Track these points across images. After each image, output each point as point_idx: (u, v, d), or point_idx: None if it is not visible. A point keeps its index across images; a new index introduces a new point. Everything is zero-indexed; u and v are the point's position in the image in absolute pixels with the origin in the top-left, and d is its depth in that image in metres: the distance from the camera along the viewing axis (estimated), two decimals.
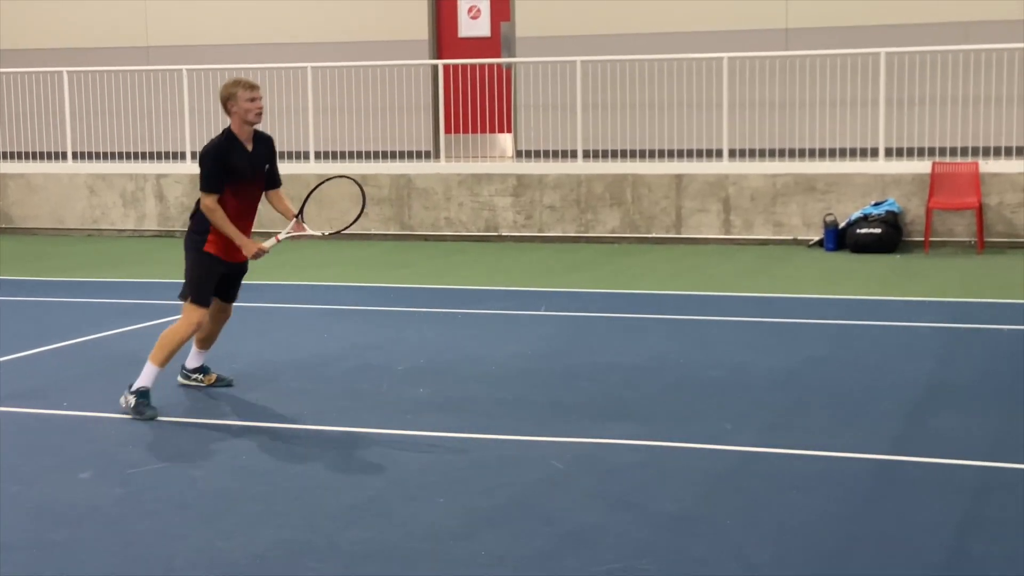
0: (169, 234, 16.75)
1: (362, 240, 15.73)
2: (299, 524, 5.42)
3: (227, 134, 7.41)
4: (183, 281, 7.46)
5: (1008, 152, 14.40)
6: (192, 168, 16.65)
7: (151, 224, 16.90)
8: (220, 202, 7.30)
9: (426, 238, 15.77)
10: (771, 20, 15.79)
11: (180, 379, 7.97)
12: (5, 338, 9.54)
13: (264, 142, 7.56)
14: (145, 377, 7.30)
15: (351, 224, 8.05)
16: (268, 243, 7.48)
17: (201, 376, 7.95)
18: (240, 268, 7.67)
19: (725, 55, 15.11)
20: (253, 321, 10.28)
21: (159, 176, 16.84)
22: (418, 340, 9.39)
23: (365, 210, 8.19)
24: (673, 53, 15.62)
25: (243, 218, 7.46)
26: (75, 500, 5.82)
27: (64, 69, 17.37)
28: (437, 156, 16.51)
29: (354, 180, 8.33)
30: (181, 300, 7.44)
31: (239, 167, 7.34)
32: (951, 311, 10.42)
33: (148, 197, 16.88)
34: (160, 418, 7.24)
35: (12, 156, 17.90)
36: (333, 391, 7.85)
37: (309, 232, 7.66)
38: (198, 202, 7.41)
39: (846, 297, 11.18)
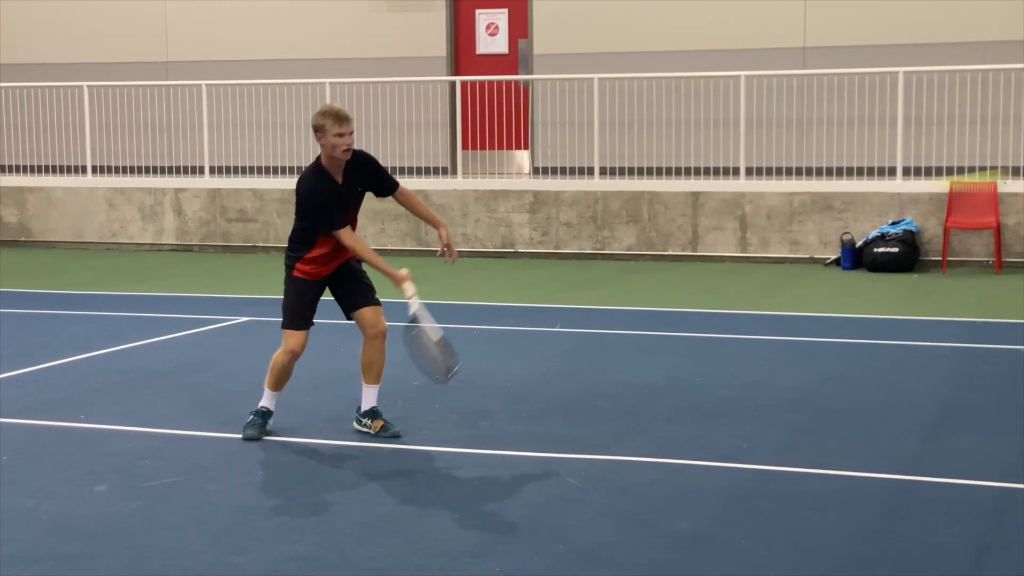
0: (187, 248, 16.81)
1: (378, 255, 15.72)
2: (313, 540, 5.43)
3: (317, 167, 6.94)
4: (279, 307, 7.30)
5: None
6: (210, 182, 16.73)
7: (169, 238, 16.96)
8: (312, 234, 6.94)
9: (442, 254, 15.76)
10: (789, 39, 15.79)
11: (356, 426, 7.27)
12: (23, 351, 9.58)
13: (356, 164, 7.00)
14: (264, 399, 7.24)
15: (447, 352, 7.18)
16: (410, 294, 7.06)
17: (368, 422, 7.19)
18: (342, 272, 7.15)
19: (743, 73, 15.12)
20: (269, 336, 10.28)
21: (177, 190, 16.91)
22: None
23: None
24: (690, 71, 15.63)
25: (338, 252, 7.06)
26: (91, 513, 5.84)
27: (84, 83, 17.47)
28: (454, 172, 16.54)
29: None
30: (282, 328, 7.20)
31: (337, 200, 6.91)
32: (968, 331, 10.38)
33: (166, 211, 16.94)
34: (175, 431, 7.26)
35: (32, 169, 18.00)
36: (348, 407, 7.85)
37: (429, 322, 7.23)
38: (292, 233, 7.09)
39: (863, 316, 11.15)
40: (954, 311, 11.32)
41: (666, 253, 15.10)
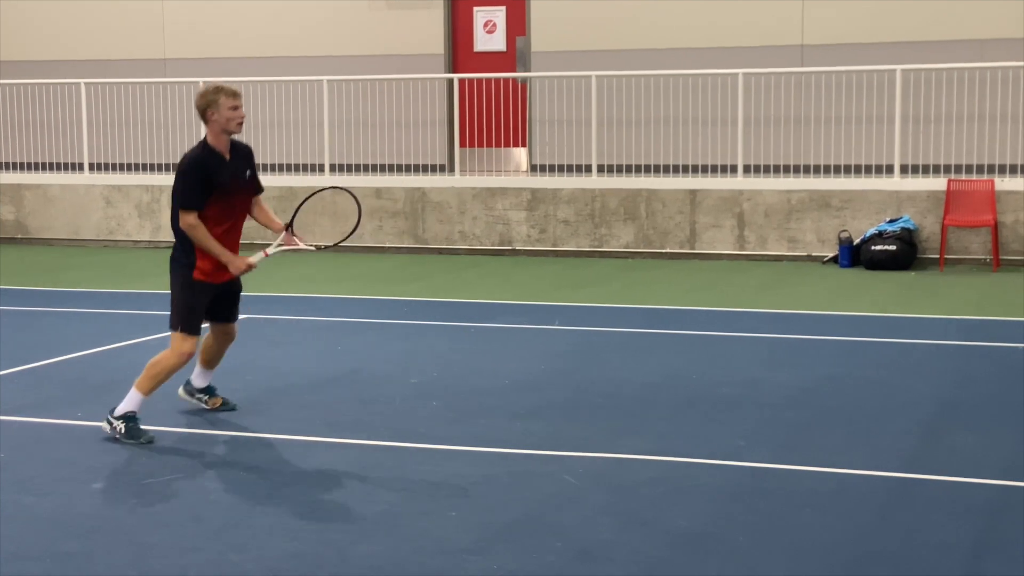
0: None
1: (376, 253, 15.76)
2: (311, 537, 5.43)
3: (204, 146, 7.01)
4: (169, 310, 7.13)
5: None
6: None
7: (166, 235, 16.94)
8: (202, 218, 6.92)
9: (440, 251, 15.79)
10: (786, 37, 15.79)
11: (182, 393, 7.64)
12: (20, 348, 9.57)
13: (242, 151, 7.17)
14: (129, 403, 6.96)
15: (346, 237, 7.60)
16: (255, 257, 7.06)
17: (206, 397, 7.63)
18: (233, 286, 7.26)
19: (740, 71, 15.12)
20: (266, 333, 10.30)
21: None
22: (431, 354, 9.40)
23: (360, 222, 7.61)
24: (688, 69, 15.63)
25: (230, 234, 7.09)
26: (89, 511, 5.84)
27: (82, 81, 17.46)
28: (452, 170, 16.54)
29: (347, 191, 7.77)
30: (171, 329, 7.06)
31: (220, 180, 6.96)
32: (966, 329, 10.39)
33: (163, 208, 16.92)
34: (174, 430, 7.26)
35: (29, 166, 17.98)
36: (346, 404, 7.86)
37: (302, 245, 7.26)
38: (175, 230, 7.03)
39: (860, 314, 11.16)
40: (952, 309, 11.33)
41: (664, 251, 15.10)
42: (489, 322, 10.89)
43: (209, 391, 7.68)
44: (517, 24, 17.08)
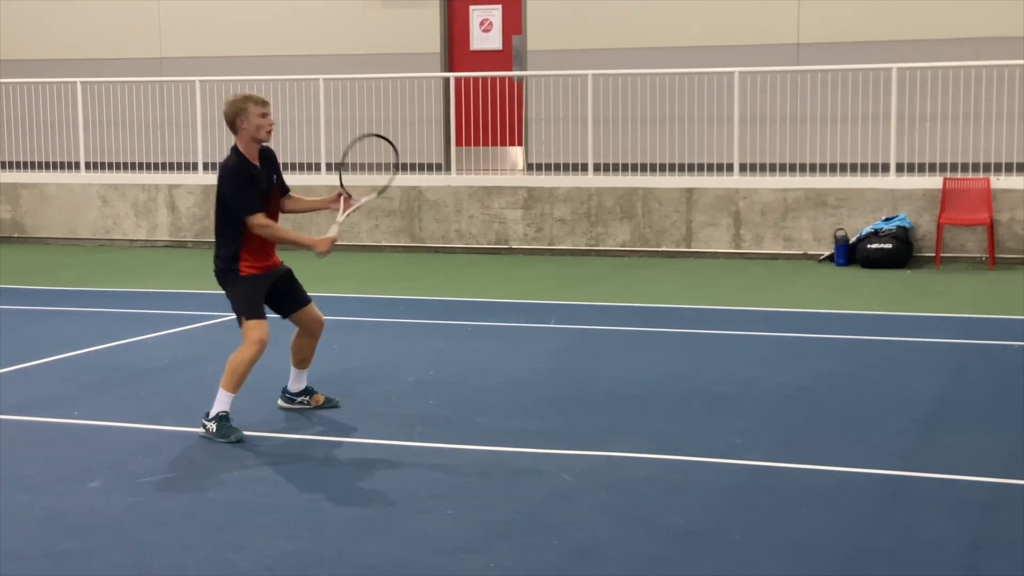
0: (181, 244, 16.79)
1: (372, 252, 15.75)
2: (308, 536, 5.43)
3: (238, 154, 7.05)
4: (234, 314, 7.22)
5: (1020, 168, 14.38)
6: (204, 179, 16.70)
7: (163, 235, 16.95)
8: (242, 223, 6.98)
9: (436, 250, 15.79)
10: (782, 35, 15.80)
11: (282, 403, 7.64)
12: (16, 347, 9.57)
13: (267, 156, 7.22)
14: (220, 403, 7.01)
15: (395, 175, 7.74)
16: (333, 231, 7.16)
17: (307, 398, 7.59)
18: (279, 270, 7.30)
19: (736, 70, 15.13)
20: None
21: (171, 187, 16.89)
22: (428, 352, 9.40)
23: (399, 159, 7.94)
24: (684, 67, 15.64)
25: (268, 242, 7.17)
26: (85, 509, 5.84)
27: (78, 80, 17.44)
28: (448, 168, 16.54)
29: (378, 135, 7.99)
30: (240, 324, 7.13)
31: (259, 186, 7.07)
32: (962, 327, 10.40)
33: (160, 207, 16.93)
34: (169, 428, 7.26)
35: (25, 166, 17.97)
36: (343, 402, 7.85)
37: (364, 200, 7.33)
38: (216, 247, 7.13)
39: (856, 312, 11.17)
40: (947, 307, 11.34)
41: (660, 249, 15.11)
42: (486, 321, 10.89)
43: (308, 392, 7.63)
44: (513, 23, 17.08)
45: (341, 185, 7.30)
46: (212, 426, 7.01)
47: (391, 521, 5.62)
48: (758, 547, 5.26)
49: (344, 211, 7.29)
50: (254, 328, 7.07)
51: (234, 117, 7.01)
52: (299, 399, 7.62)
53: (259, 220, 7.01)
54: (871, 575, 4.99)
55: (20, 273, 14.31)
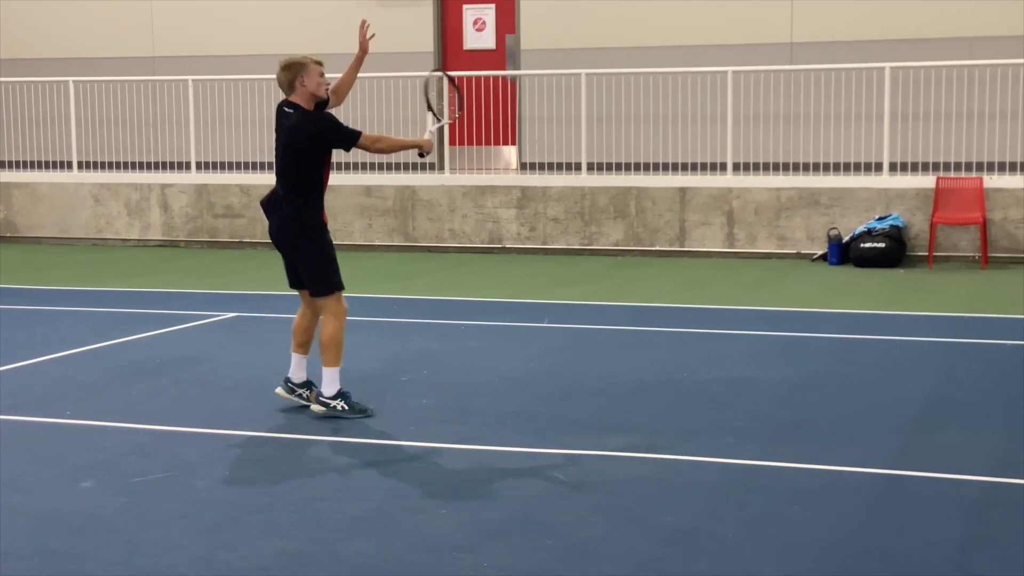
0: (174, 244, 16.78)
1: (366, 251, 15.75)
2: (301, 535, 5.42)
3: (305, 107, 7.32)
4: (316, 280, 7.35)
5: (1013, 167, 14.41)
6: (197, 178, 16.69)
7: (155, 234, 16.93)
8: (318, 169, 7.29)
9: (430, 249, 15.79)
10: (776, 34, 15.81)
11: (281, 392, 7.65)
12: (9, 347, 9.55)
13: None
14: (332, 382, 7.29)
15: (457, 111, 8.40)
16: (427, 135, 7.76)
17: (307, 393, 7.59)
18: None
19: (730, 69, 15.13)
20: (256, 332, 10.29)
21: (164, 186, 16.87)
22: (421, 351, 9.40)
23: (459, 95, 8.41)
24: (678, 67, 15.64)
25: (325, 185, 7.45)
26: (78, 509, 5.83)
27: (70, 79, 17.41)
28: (441, 168, 16.53)
29: (444, 74, 8.78)
30: (323, 295, 7.29)
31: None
32: (955, 326, 10.41)
33: (153, 207, 16.90)
34: (162, 427, 7.25)
35: (17, 165, 17.93)
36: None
37: (445, 118, 8.00)
38: (288, 205, 7.29)
39: (849, 311, 11.18)
40: (940, 306, 11.36)
41: (653, 248, 15.11)
42: (479, 320, 10.89)
43: (309, 386, 7.63)
44: (507, 22, 17.08)
45: (430, 108, 7.98)
46: (340, 404, 7.28)
47: (385, 520, 5.61)
48: (751, 546, 5.26)
49: (436, 122, 7.92)
50: (339, 301, 7.33)
51: (294, 77, 7.32)
52: (299, 391, 7.62)
53: (370, 135, 7.40)
54: (864, 574, 4.99)
55: (12, 272, 14.29)
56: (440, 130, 8.37)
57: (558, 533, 5.42)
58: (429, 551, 5.22)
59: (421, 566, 5.07)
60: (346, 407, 7.32)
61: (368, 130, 16.19)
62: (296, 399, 7.63)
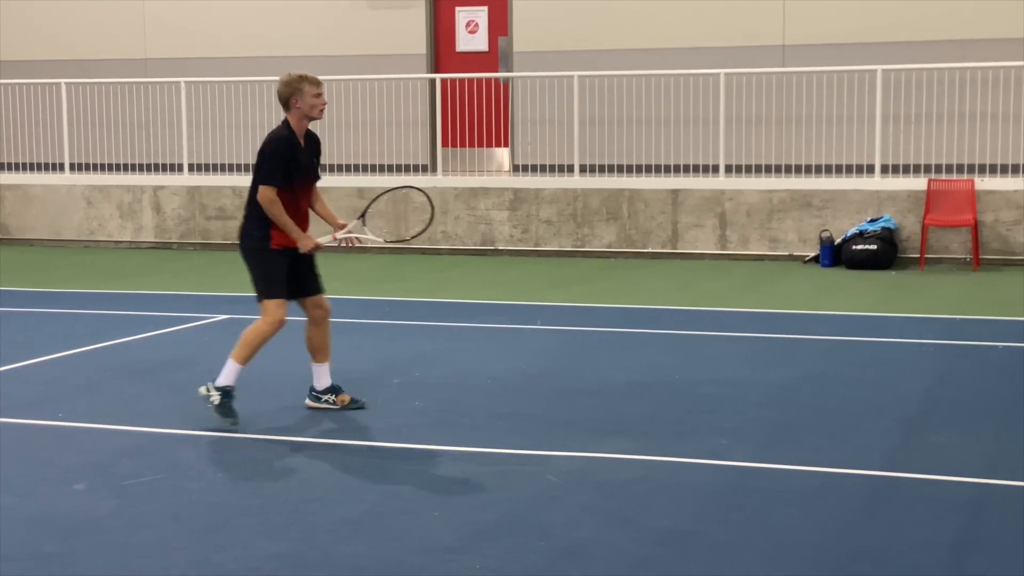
0: (166, 246, 16.76)
1: (358, 253, 15.73)
2: (294, 537, 5.42)
3: (288, 127, 7.27)
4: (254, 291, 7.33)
5: (1004, 170, 14.44)
6: (189, 180, 16.67)
7: (148, 236, 16.91)
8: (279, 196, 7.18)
9: (423, 252, 15.78)
10: (768, 37, 15.84)
11: (310, 403, 7.64)
12: (1, 349, 9.53)
13: (312, 139, 7.42)
14: (228, 375, 7.20)
15: (417, 235, 8.16)
16: (324, 239, 7.38)
17: (333, 397, 7.61)
18: (305, 256, 7.40)
19: (722, 71, 15.15)
20: None
21: (156, 188, 16.85)
22: (413, 354, 9.39)
23: (431, 224, 8.17)
24: (670, 69, 15.66)
25: (300, 218, 7.32)
26: (70, 511, 5.82)
27: (62, 81, 17.39)
28: (434, 170, 16.53)
29: (422, 191, 8.32)
30: (259, 301, 7.26)
31: (299, 162, 7.24)
32: (946, 328, 10.43)
33: (145, 209, 16.89)
34: (154, 429, 7.24)
35: (9, 167, 17.91)
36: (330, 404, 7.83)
37: (370, 236, 7.54)
38: (247, 208, 7.26)
39: (841, 313, 11.19)
40: (932, 308, 11.38)
41: (646, 250, 15.12)
42: (472, 322, 10.89)
43: (335, 390, 7.65)
44: (499, 24, 17.08)
45: (363, 214, 7.73)
46: (216, 397, 7.17)
47: (377, 522, 5.61)
48: (743, 547, 5.27)
49: (349, 232, 7.54)
50: (275, 309, 7.23)
51: (289, 95, 7.26)
52: (325, 397, 7.62)
53: (270, 193, 7.15)
54: (856, 575, 5.00)
55: (4, 274, 14.26)
56: (427, 223, 8.22)
57: (550, 534, 5.42)
58: (422, 553, 5.22)
59: (413, 568, 5.07)
60: (217, 402, 7.16)
61: (363, 130, 16.09)
62: (324, 406, 7.61)
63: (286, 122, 7.30)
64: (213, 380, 7.28)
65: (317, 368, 7.63)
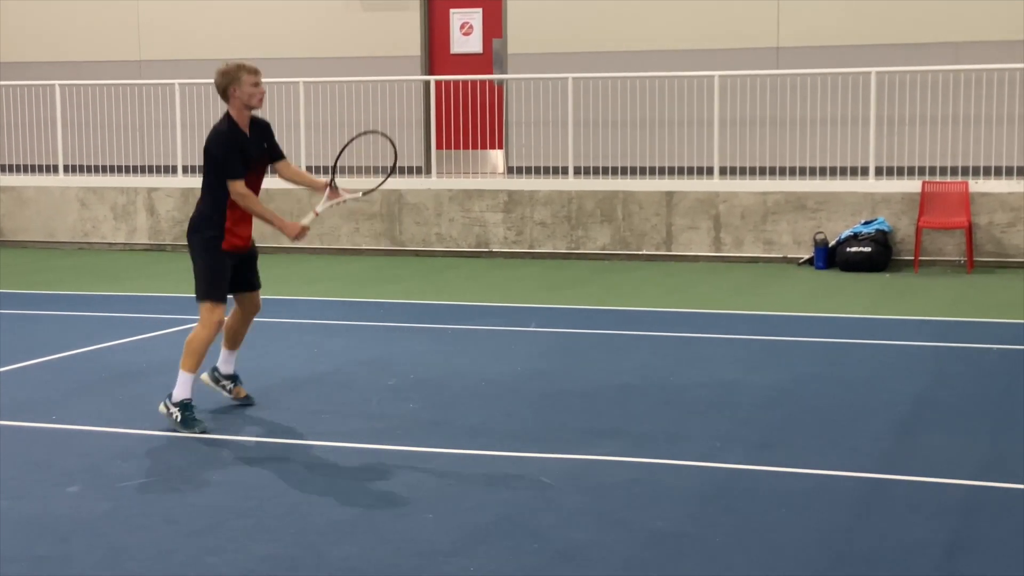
0: (160, 248, 16.74)
1: (352, 255, 15.73)
2: (288, 539, 5.42)
3: (229, 120, 7.22)
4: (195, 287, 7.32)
5: (998, 172, 14.46)
6: (184, 182, 16.65)
7: (142, 238, 16.89)
8: (225, 192, 7.14)
9: (417, 253, 15.78)
10: (762, 39, 15.85)
11: (207, 379, 7.70)
12: None
13: (260, 125, 7.38)
14: (182, 387, 7.17)
15: (386, 179, 8.14)
16: (307, 219, 7.38)
17: (231, 386, 7.73)
18: (251, 251, 7.47)
19: (716, 73, 15.16)
20: None
21: (150, 190, 16.84)
22: (408, 356, 9.39)
23: (396, 161, 8.12)
24: (664, 71, 15.67)
25: (246, 216, 7.29)
26: (64, 514, 5.81)
27: (56, 82, 17.37)
28: (429, 172, 16.53)
29: (382, 133, 8.21)
30: (199, 301, 7.24)
31: (248, 154, 7.21)
32: (940, 330, 10.44)
33: (139, 211, 16.87)
34: (148, 432, 7.23)
35: (3, 169, 17.88)
36: (322, 406, 7.84)
37: (347, 196, 7.50)
38: (199, 205, 7.25)
39: (835, 315, 11.20)
40: (926, 310, 11.39)
41: (640, 253, 15.13)
42: (466, 324, 10.89)
43: (234, 379, 7.76)
44: (494, 26, 17.08)
45: (332, 178, 7.48)
46: (177, 414, 7.15)
47: (371, 524, 5.61)
48: (737, 549, 5.27)
49: (327, 201, 7.49)
50: (213, 311, 7.22)
51: (226, 86, 7.21)
52: (223, 382, 7.74)
53: (240, 188, 7.14)
54: None
55: None
56: (392, 168, 8.21)
57: (544, 537, 5.42)
58: (415, 555, 5.22)
59: (407, 570, 5.07)
60: (179, 419, 7.14)
61: (356, 132, 16.26)
62: (220, 389, 7.75)
63: (227, 115, 7.25)
64: (168, 396, 7.25)
65: (227, 354, 7.72)
